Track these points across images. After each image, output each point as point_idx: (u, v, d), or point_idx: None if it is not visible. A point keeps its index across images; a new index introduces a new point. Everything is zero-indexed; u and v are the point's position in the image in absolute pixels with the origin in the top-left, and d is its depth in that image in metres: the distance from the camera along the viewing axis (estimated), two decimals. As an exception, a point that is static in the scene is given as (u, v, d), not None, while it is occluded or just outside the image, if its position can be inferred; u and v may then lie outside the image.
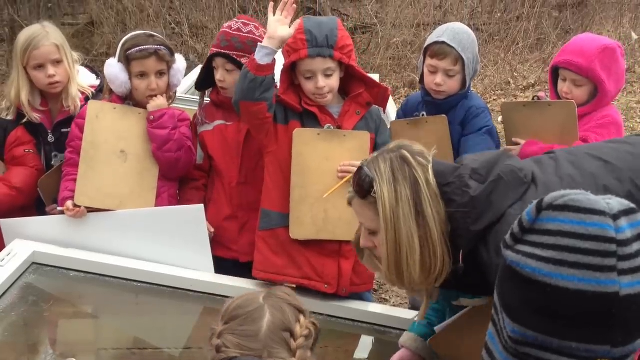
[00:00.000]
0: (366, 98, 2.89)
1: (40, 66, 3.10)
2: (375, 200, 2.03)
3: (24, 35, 3.15)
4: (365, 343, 2.94)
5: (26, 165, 3.18)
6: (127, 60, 3.00)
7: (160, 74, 3.05)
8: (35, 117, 3.14)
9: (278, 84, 2.87)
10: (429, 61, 3.08)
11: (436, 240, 2.01)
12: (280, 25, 2.72)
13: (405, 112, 3.31)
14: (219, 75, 3.04)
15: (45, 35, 3.10)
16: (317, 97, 2.81)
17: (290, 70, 2.83)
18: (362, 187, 2.07)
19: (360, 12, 10.61)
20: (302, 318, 1.63)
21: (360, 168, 2.10)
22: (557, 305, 1.29)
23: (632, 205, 1.33)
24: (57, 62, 3.12)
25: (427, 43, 3.14)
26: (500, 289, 1.41)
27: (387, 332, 2.82)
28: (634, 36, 9.53)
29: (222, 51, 3.00)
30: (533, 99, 3.19)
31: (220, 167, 3.10)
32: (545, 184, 2.02)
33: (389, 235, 2.02)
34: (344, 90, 2.91)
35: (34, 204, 3.22)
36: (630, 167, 2.07)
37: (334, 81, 2.80)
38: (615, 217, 1.28)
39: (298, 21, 2.78)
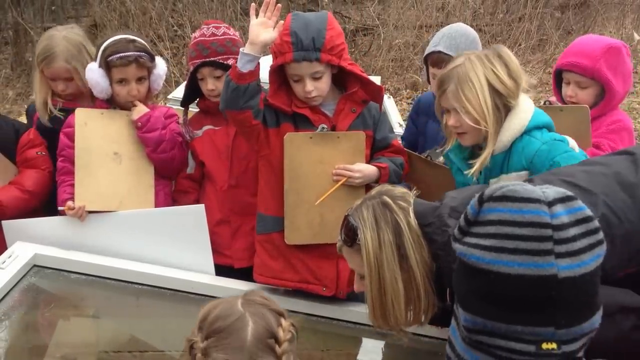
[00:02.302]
0: (361, 95, 2.80)
1: (54, 79, 3.20)
2: (360, 247, 2.10)
3: (41, 44, 3.25)
4: (367, 346, 2.93)
5: (38, 167, 3.19)
6: (107, 67, 3.00)
7: (140, 79, 3.04)
8: (46, 120, 3.21)
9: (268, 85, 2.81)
10: (431, 70, 3.13)
11: (419, 282, 2.08)
12: (262, 29, 2.62)
13: (417, 112, 3.33)
14: (209, 85, 2.99)
15: (57, 55, 3.15)
16: (306, 100, 2.74)
17: (280, 70, 2.73)
18: (349, 236, 2.15)
19: (362, 14, 10.60)
20: (283, 321, 1.62)
21: (346, 217, 2.18)
22: (501, 290, 1.35)
23: (570, 194, 1.39)
24: (68, 79, 3.19)
25: (426, 52, 3.17)
26: (454, 281, 1.48)
27: (388, 334, 2.81)
28: (636, 37, 9.53)
29: (208, 59, 2.97)
30: (544, 103, 3.13)
31: (211, 172, 3.08)
32: None
33: (372, 280, 2.09)
34: (341, 84, 2.83)
35: (44, 206, 3.23)
36: (603, 190, 2.07)
37: (323, 84, 2.71)
38: (551, 204, 1.35)
39: (282, 22, 2.67)
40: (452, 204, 2.10)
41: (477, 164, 2.49)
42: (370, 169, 2.78)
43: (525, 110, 2.51)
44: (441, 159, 2.97)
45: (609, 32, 9.55)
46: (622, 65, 3.04)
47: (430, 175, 2.97)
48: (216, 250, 3.04)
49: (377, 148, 2.88)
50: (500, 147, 2.49)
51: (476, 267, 1.37)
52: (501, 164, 2.52)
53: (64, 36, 3.20)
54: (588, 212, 1.39)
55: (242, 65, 2.60)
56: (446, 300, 2.10)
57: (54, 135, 3.15)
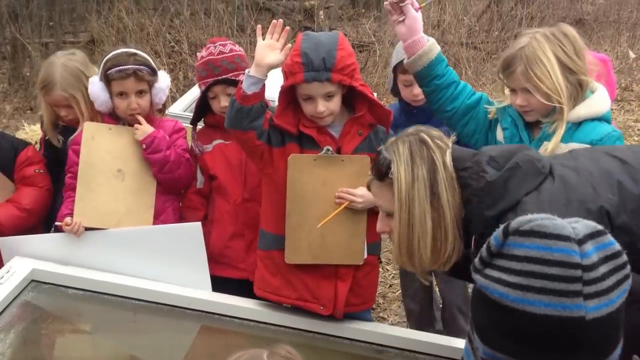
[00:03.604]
0: (369, 119, 2.77)
1: (55, 105, 3.21)
2: (392, 182, 2.06)
3: (41, 72, 3.25)
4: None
5: (36, 185, 3.19)
6: (107, 80, 3.01)
7: (140, 93, 3.05)
8: (59, 138, 3.23)
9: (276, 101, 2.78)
10: (401, 77, 3.23)
11: (449, 224, 2.03)
12: (269, 51, 2.61)
13: (393, 126, 3.36)
14: (222, 102, 2.99)
15: (54, 84, 3.14)
16: (316, 120, 2.71)
17: (290, 89, 2.70)
18: (380, 169, 2.11)
19: (358, 31, 10.66)
20: None
21: (379, 151, 2.15)
22: (525, 329, 1.31)
23: (599, 228, 1.35)
24: (69, 106, 3.18)
25: (393, 62, 3.24)
26: (473, 310, 1.45)
27: (385, 351, 2.81)
28: (632, 55, 9.58)
29: (220, 77, 2.99)
30: None
31: (224, 185, 3.07)
32: (562, 176, 2.04)
33: (402, 216, 2.05)
34: (349, 104, 2.80)
35: (43, 224, 3.24)
36: None
37: (334, 104, 2.67)
38: (581, 242, 1.31)
39: (290, 45, 2.67)
40: (491, 153, 2.08)
41: (552, 143, 2.54)
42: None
43: (605, 98, 2.62)
44: None
45: (604, 50, 9.60)
46: (608, 75, 3.11)
47: None
48: (229, 264, 3.06)
49: None
50: (572, 119, 2.56)
51: (500, 303, 1.33)
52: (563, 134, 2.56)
53: (62, 64, 3.18)
54: (617, 246, 1.35)
55: (247, 87, 2.60)
56: (470, 247, 2.06)
57: (62, 153, 3.18)
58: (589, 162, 2.11)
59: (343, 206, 2.72)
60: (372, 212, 2.79)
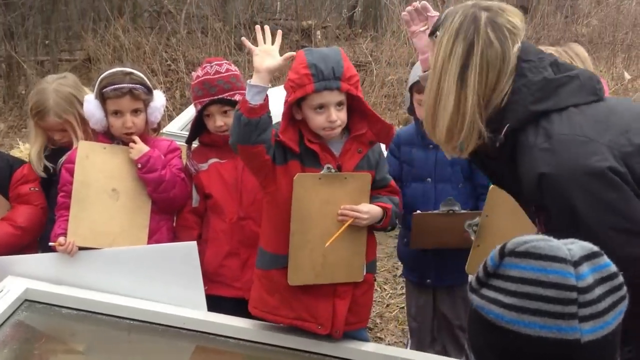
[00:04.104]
0: (369, 137, 2.77)
1: (49, 130, 3.21)
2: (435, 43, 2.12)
3: (33, 98, 3.23)
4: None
5: (31, 203, 3.17)
6: (102, 98, 3.01)
7: (136, 111, 3.04)
8: (48, 165, 3.19)
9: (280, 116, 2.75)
10: (417, 96, 3.20)
11: (469, 109, 2.03)
12: (266, 56, 2.59)
13: (398, 145, 3.36)
14: (217, 122, 3.01)
15: (48, 110, 3.14)
16: (326, 131, 2.68)
17: (294, 104, 2.68)
18: (435, 24, 2.18)
19: (355, 51, 10.71)
20: None
21: (443, 11, 2.19)
22: (520, 351, 1.30)
23: (595, 249, 1.34)
24: (62, 130, 3.19)
25: (410, 81, 3.23)
26: (469, 330, 1.43)
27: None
28: (627, 76, 9.64)
29: (217, 97, 2.99)
30: None
31: (220, 204, 3.06)
32: (613, 105, 2.04)
33: (433, 84, 2.10)
34: (345, 125, 2.79)
35: (37, 242, 3.22)
36: None
37: (345, 115, 2.68)
38: (577, 263, 1.29)
39: (292, 53, 2.68)
40: (558, 60, 2.09)
41: None
42: (375, 210, 2.76)
43: None
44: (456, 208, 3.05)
45: (600, 72, 9.66)
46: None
47: (451, 225, 3.04)
48: (224, 283, 3.04)
49: (375, 187, 2.85)
50: None
51: (495, 324, 1.32)
52: None
53: (54, 89, 3.17)
54: (613, 268, 1.34)
55: (251, 97, 2.55)
56: (498, 134, 2.04)
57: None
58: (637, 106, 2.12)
59: (348, 223, 2.71)
60: (370, 231, 2.82)
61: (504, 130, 2.02)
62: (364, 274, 2.82)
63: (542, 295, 1.28)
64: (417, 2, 2.64)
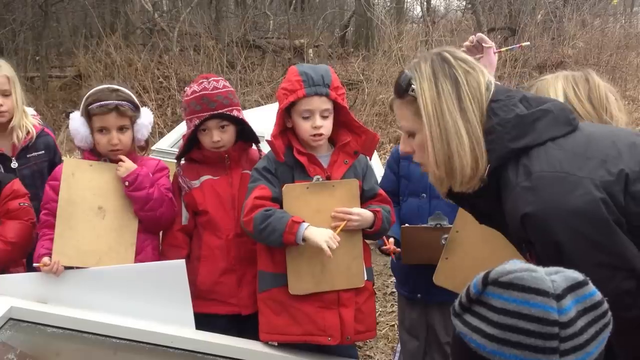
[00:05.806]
0: (353, 147, 2.87)
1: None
2: (413, 98, 2.04)
3: None
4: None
5: (20, 219, 3.13)
6: (88, 115, 2.99)
7: (122, 128, 3.01)
8: None
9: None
10: None
11: (480, 137, 1.99)
12: (321, 239, 2.66)
13: (397, 160, 3.36)
14: (214, 136, 3.01)
15: None
16: (312, 140, 2.78)
17: (285, 113, 2.79)
18: (400, 85, 2.09)
19: (347, 70, 10.76)
20: None
21: (401, 72, 2.13)
22: None
23: (580, 279, 1.33)
24: (6, 95, 3.33)
25: None
26: (452, 352, 1.43)
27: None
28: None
29: (217, 112, 2.99)
30: None
31: (215, 220, 3.05)
32: (590, 133, 2.01)
33: (433, 131, 2.00)
34: (331, 138, 2.90)
35: (25, 258, 3.19)
36: None
37: (330, 124, 2.80)
38: (559, 297, 1.29)
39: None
40: (526, 94, 2.07)
41: None
42: (367, 212, 2.83)
43: None
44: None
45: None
46: None
47: (439, 240, 3.02)
48: (218, 300, 3.02)
49: (364, 198, 2.91)
50: None
51: (476, 352, 1.33)
52: None
53: None
54: (598, 296, 1.33)
55: (299, 239, 2.68)
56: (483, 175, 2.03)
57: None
58: (620, 132, 2.10)
59: (341, 227, 2.75)
60: (363, 240, 2.87)
61: (487, 170, 2.01)
62: (365, 279, 2.85)
63: (524, 329, 1.28)
64: (473, 36, 2.76)
